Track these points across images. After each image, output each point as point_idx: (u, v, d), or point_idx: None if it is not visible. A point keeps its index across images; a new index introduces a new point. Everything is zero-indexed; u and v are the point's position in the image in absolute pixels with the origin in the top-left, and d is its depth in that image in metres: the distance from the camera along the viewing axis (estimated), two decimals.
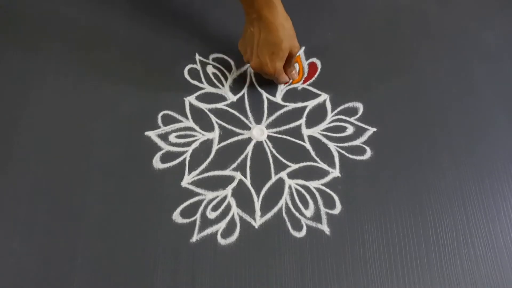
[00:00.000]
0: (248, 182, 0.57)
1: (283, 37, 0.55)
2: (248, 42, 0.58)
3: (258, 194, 0.56)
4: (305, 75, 0.65)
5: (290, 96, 0.64)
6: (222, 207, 0.55)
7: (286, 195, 0.56)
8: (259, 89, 0.64)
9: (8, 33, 0.67)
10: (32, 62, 0.65)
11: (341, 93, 0.64)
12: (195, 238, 0.54)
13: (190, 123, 0.61)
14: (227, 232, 0.54)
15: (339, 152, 0.59)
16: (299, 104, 0.63)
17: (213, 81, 0.65)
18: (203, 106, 0.63)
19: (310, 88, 0.64)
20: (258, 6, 0.53)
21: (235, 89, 0.64)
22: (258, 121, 0.62)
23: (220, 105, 0.63)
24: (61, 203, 0.55)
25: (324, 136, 0.61)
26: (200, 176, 0.57)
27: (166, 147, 0.59)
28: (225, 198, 0.56)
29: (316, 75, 0.65)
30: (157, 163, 0.58)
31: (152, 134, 0.60)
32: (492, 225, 0.55)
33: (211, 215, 0.55)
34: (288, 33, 0.55)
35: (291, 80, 0.64)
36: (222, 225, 0.54)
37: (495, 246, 0.54)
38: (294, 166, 0.58)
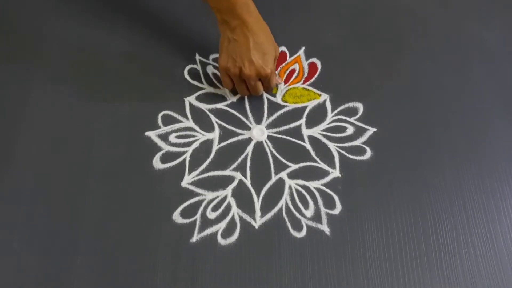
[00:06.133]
0: (248, 182, 0.57)
1: (269, 39, 0.57)
2: (234, 51, 0.56)
3: (258, 194, 0.56)
4: (305, 75, 0.65)
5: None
6: (222, 207, 0.55)
7: (286, 195, 0.56)
8: None
9: (9, 34, 0.67)
10: (32, 63, 0.65)
11: (341, 93, 0.64)
12: (195, 238, 0.54)
13: (190, 123, 0.61)
14: (227, 232, 0.54)
15: (339, 152, 0.59)
16: (299, 104, 0.63)
17: (213, 81, 0.65)
18: (203, 106, 0.63)
19: (310, 88, 0.64)
20: (239, 11, 0.53)
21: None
22: (258, 121, 0.62)
23: (220, 105, 0.63)
24: (61, 203, 0.55)
25: (324, 136, 0.61)
26: (200, 176, 0.57)
27: (166, 147, 0.59)
28: (225, 198, 0.56)
29: (316, 75, 0.65)
30: (157, 163, 0.58)
31: (152, 134, 0.60)
32: (492, 225, 0.55)
33: (211, 215, 0.55)
34: (270, 35, 0.58)
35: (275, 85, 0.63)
36: (222, 225, 0.54)
37: (495, 246, 0.54)
38: (294, 166, 0.58)
